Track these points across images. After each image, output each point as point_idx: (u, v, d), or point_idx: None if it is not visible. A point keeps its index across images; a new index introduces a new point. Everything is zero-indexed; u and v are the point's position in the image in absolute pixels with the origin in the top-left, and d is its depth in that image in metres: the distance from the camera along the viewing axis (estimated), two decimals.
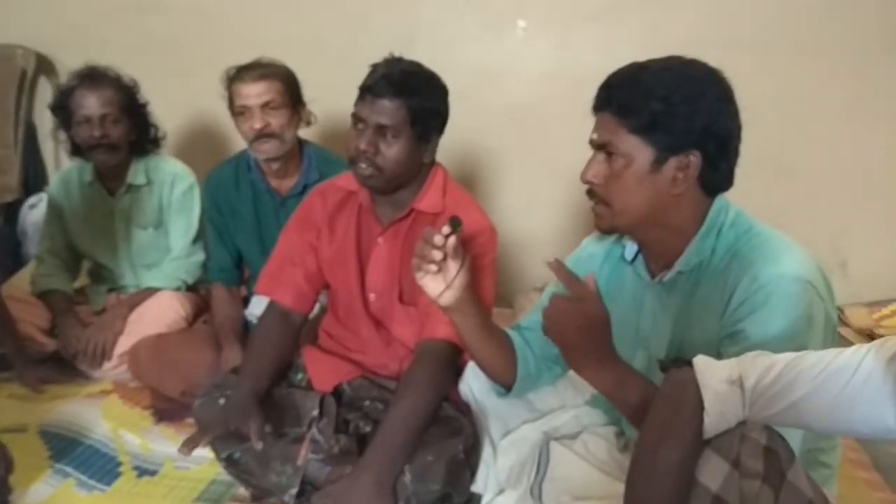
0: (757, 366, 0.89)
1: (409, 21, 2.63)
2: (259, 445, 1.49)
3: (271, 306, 1.70)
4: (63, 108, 2.14)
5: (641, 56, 1.19)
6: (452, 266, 1.23)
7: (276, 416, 1.57)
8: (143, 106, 2.22)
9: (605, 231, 1.26)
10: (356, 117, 1.51)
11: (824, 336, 1.11)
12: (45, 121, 2.95)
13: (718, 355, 1.13)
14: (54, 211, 2.31)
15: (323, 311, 1.85)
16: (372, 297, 1.64)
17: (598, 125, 1.19)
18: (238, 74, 1.98)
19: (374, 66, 1.52)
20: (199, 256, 2.28)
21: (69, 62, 2.21)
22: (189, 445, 1.55)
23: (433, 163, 1.61)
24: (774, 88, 2.44)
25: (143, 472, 1.75)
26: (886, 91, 2.54)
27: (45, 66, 2.92)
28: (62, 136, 2.20)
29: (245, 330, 2.13)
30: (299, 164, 2.09)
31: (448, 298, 1.25)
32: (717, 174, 1.17)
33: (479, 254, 1.46)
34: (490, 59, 2.65)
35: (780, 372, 0.87)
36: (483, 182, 2.74)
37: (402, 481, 1.41)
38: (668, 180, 1.15)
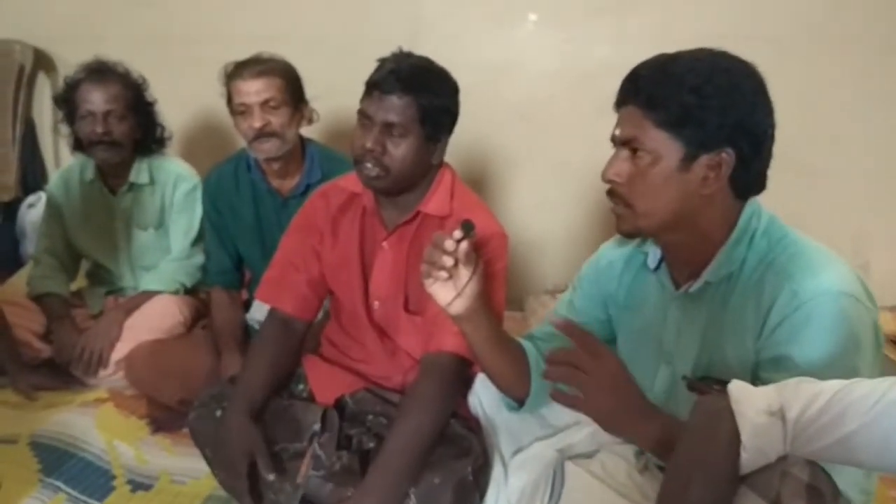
0: (800, 395, 0.81)
1: (412, 14, 2.55)
2: (271, 477, 1.40)
3: (272, 314, 1.62)
4: (67, 101, 2.08)
5: (654, 52, 1.11)
6: (464, 273, 1.15)
7: (275, 431, 1.49)
8: (151, 104, 2.16)
9: (627, 235, 1.17)
10: (362, 114, 1.43)
11: (874, 355, 1.02)
12: (43, 118, 2.91)
13: (753, 376, 1.05)
14: (53, 209, 2.24)
15: (327, 316, 1.77)
16: (376, 304, 1.57)
17: (623, 119, 1.10)
18: (237, 71, 1.90)
19: (382, 61, 1.45)
20: (199, 259, 2.21)
21: (68, 58, 2.16)
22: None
23: (441, 164, 1.53)
24: (795, 85, 2.33)
25: (137, 486, 1.69)
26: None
27: (43, 61, 2.86)
28: (65, 129, 2.14)
29: (246, 335, 2.07)
30: (301, 164, 2.01)
31: (459, 307, 1.17)
32: (750, 175, 1.08)
33: (489, 260, 1.38)
34: (498, 54, 2.57)
35: (827, 402, 0.78)
36: (491, 182, 2.66)
37: None
38: (697, 180, 1.06)
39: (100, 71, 2.07)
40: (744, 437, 0.80)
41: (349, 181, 1.58)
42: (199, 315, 2.22)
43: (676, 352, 1.19)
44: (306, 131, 2.05)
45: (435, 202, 1.50)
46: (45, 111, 2.90)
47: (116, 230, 2.21)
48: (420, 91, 1.41)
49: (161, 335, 2.08)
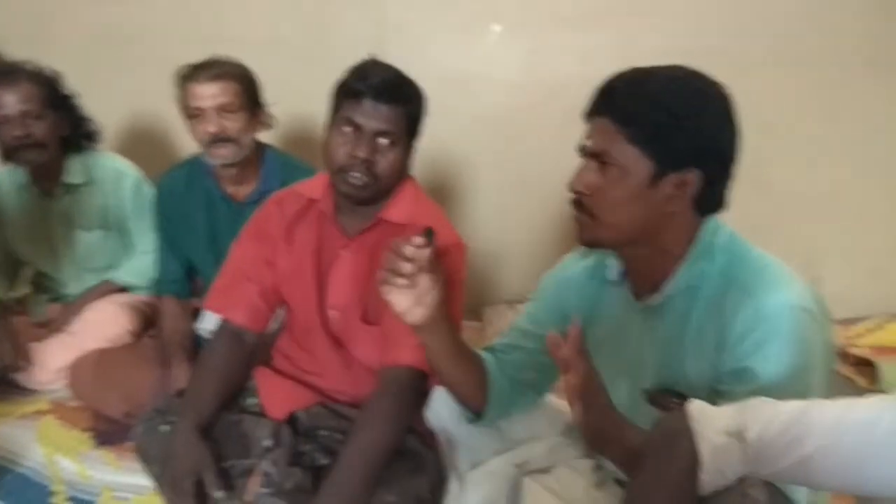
0: (760, 416, 0.79)
1: (374, 21, 2.51)
2: (220, 495, 1.34)
3: (222, 326, 1.57)
4: None
5: (619, 65, 1.11)
6: (424, 281, 1.12)
7: (225, 446, 1.43)
8: (69, 98, 2.05)
9: (588, 245, 1.17)
10: (350, 122, 1.39)
11: (825, 371, 1.04)
12: None
13: (712, 389, 1.06)
14: None
15: (281, 327, 1.72)
16: (333, 314, 1.52)
17: (594, 131, 1.10)
18: (192, 74, 1.85)
19: (361, 68, 1.41)
20: None
21: (17, 57, 2.05)
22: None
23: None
24: (753, 101, 2.33)
25: (78, 502, 1.63)
26: (865, 105, 2.50)
27: None
28: None
29: (195, 345, 2.00)
30: (258, 170, 1.96)
31: (418, 316, 1.14)
32: (714, 195, 1.10)
33: (448, 270, 1.36)
34: (462, 64, 2.54)
35: (786, 424, 0.77)
36: (452, 191, 2.64)
37: None
38: (663, 197, 1.07)
39: (7, 72, 1.96)
40: (703, 457, 0.78)
41: (306, 187, 1.55)
42: (147, 323, 2.14)
43: (637, 365, 1.19)
44: (264, 137, 2.00)
45: (397, 210, 1.47)
46: None
47: (56, 235, 2.12)
48: (408, 101, 1.41)
49: (106, 344, 2.00)
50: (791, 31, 2.45)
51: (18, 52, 2.08)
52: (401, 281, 1.10)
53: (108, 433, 1.84)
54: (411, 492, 1.32)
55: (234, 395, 1.54)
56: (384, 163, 1.40)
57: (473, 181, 2.64)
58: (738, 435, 0.79)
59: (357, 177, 1.39)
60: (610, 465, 1.30)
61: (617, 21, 2.48)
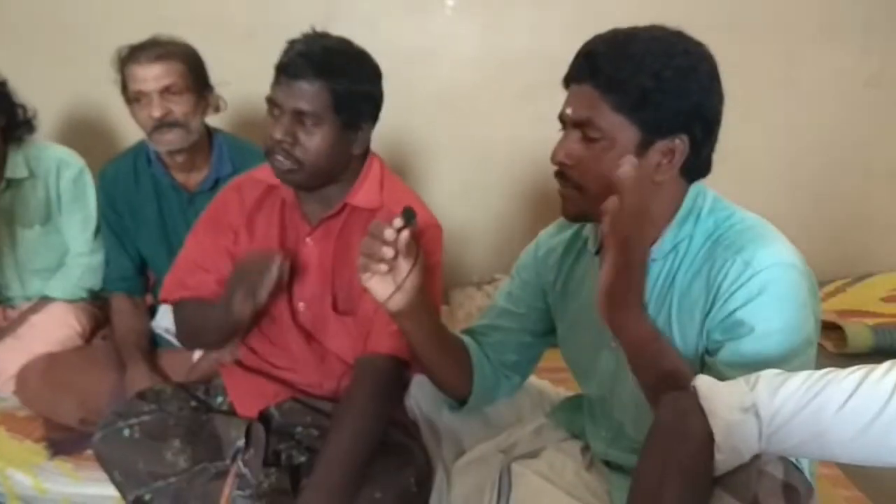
0: (772, 389, 0.76)
1: None
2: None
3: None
4: None
5: (574, 39, 1.07)
6: (404, 265, 1.06)
7: (194, 449, 1.36)
8: (0, 85, 1.89)
9: (573, 218, 1.14)
10: (271, 102, 1.31)
11: (816, 324, 1.04)
12: None
13: (699, 353, 1.05)
14: None
15: None
16: (301, 306, 1.45)
17: (575, 99, 1.05)
18: (132, 55, 1.73)
19: (291, 43, 1.33)
20: (102, 255, 2.01)
21: None
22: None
23: (367, 153, 1.43)
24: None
25: None
26: (819, 70, 2.53)
27: None
28: None
29: (152, 345, 1.91)
30: (209, 156, 1.86)
31: (399, 302, 1.09)
32: (700, 160, 1.07)
33: (426, 252, 1.29)
34: (416, 41, 2.48)
35: (801, 397, 0.74)
36: (411, 171, 2.57)
37: None
38: (651, 166, 1.04)
39: None
40: (718, 437, 0.75)
41: (265, 172, 1.46)
42: (98, 324, 2.02)
43: None
44: (213, 121, 1.89)
45: (363, 194, 1.40)
46: None
47: None
48: (333, 75, 1.29)
49: (55, 348, 1.87)
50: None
51: None
52: (381, 267, 1.04)
53: (64, 442, 1.73)
54: (398, 486, 1.28)
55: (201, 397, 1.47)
56: (308, 144, 1.30)
57: (433, 160, 2.59)
58: (752, 410, 0.76)
59: (280, 160, 1.31)
60: (598, 446, 1.28)
61: None
